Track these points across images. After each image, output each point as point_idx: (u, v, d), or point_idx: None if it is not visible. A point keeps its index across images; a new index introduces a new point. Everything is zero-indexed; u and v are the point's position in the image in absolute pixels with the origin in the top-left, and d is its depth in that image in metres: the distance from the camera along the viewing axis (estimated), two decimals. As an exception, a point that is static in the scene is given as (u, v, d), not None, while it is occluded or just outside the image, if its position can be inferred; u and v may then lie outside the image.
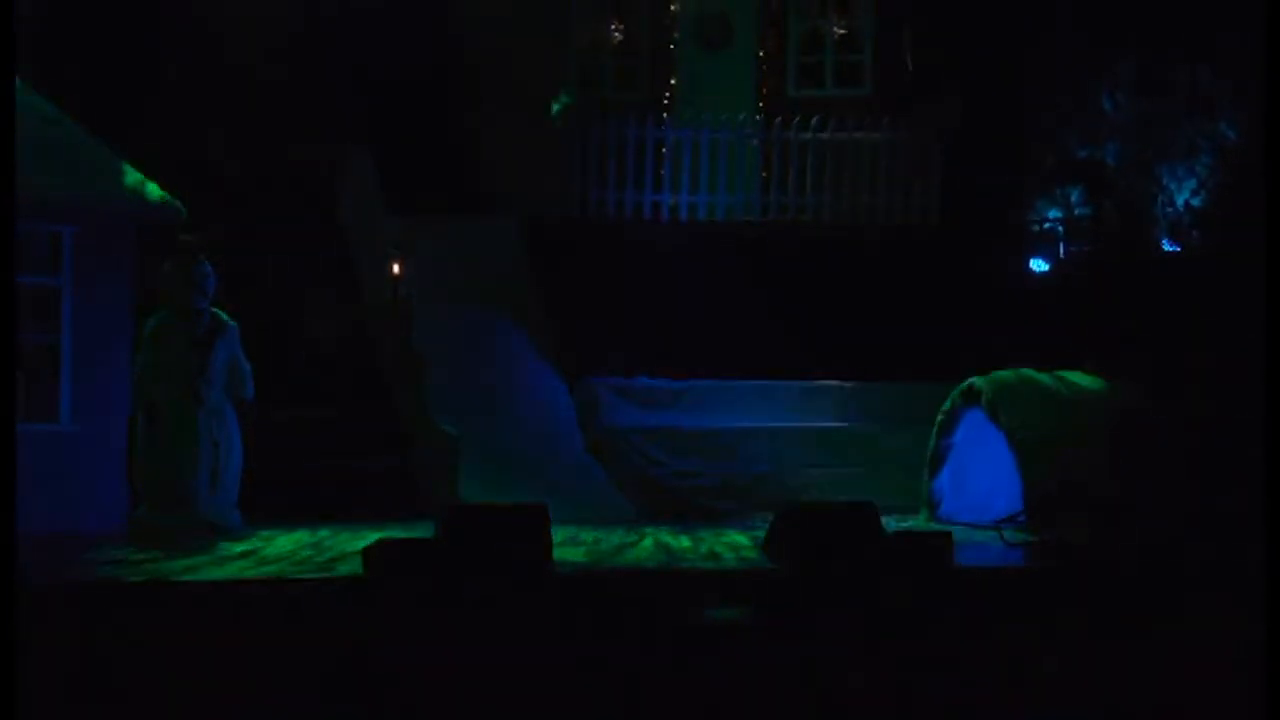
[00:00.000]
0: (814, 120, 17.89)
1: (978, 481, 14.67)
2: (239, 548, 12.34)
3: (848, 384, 16.70)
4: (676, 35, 18.62)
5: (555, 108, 17.63)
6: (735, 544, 12.99)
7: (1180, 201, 16.55)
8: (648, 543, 13.14)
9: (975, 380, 14.68)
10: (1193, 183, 16.46)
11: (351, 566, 11.03)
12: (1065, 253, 17.39)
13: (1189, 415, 14.63)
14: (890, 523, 12.44)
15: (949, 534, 11.70)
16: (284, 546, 12.43)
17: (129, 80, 16.30)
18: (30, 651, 9.11)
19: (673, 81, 18.52)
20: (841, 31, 18.78)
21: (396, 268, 15.80)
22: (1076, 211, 17.43)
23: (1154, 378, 15.01)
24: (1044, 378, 14.62)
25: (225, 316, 13.69)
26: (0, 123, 11.11)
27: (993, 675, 10.53)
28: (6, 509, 9.12)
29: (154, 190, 13.31)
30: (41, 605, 9.66)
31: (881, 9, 18.55)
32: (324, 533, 13.16)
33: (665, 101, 18.38)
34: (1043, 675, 10.59)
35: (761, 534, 12.37)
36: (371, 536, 11.26)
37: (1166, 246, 16.67)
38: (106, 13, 16.42)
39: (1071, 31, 17.28)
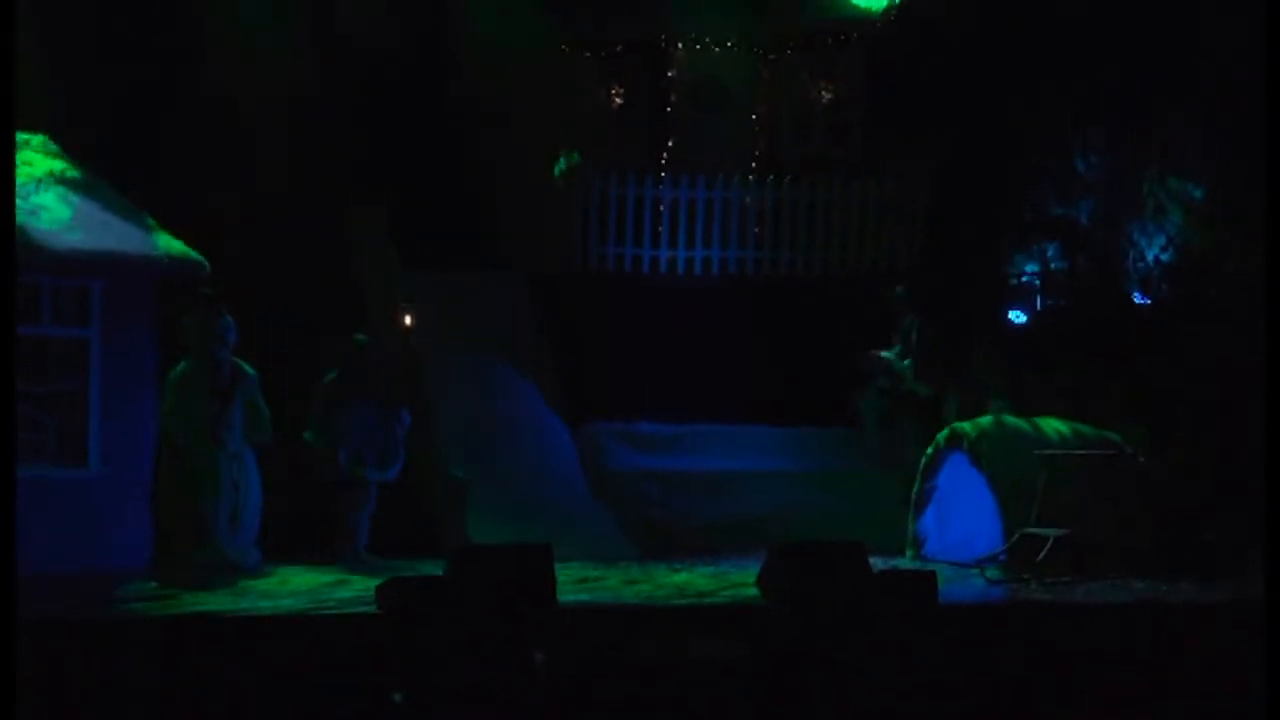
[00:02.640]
0: (804, 178, 18.32)
1: (960, 522, 15.02)
2: (258, 584, 12.75)
3: (837, 429, 17.09)
4: (674, 99, 19.06)
5: (559, 168, 18.09)
6: (732, 581, 13.31)
7: (1150, 256, 16.90)
8: (647, 580, 13.53)
9: (957, 426, 15.12)
10: (1161, 239, 16.83)
11: (365, 603, 11.36)
12: (1042, 305, 17.75)
13: (1161, 457, 15.07)
14: (878, 561, 12.73)
15: (933, 572, 12.07)
16: (301, 583, 12.82)
17: (147, 140, 16.53)
18: (60, 684, 9.47)
19: (670, 142, 18.97)
20: (830, 95, 19.23)
21: (408, 319, 16.12)
22: (1053, 266, 17.79)
23: (1126, 423, 15.44)
24: (1022, 423, 15.03)
25: (245, 366, 14.10)
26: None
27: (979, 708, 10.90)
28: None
29: (178, 246, 13.71)
30: (72, 639, 10.11)
31: (869, 74, 18.99)
32: (339, 571, 13.52)
33: (663, 161, 18.80)
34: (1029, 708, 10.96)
35: (755, 571, 12.74)
36: (385, 574, 11.47)
37: (1137, 299, 17.03)
38: (127, 81, 16.74)
39: (1049, 96, 17.61)
